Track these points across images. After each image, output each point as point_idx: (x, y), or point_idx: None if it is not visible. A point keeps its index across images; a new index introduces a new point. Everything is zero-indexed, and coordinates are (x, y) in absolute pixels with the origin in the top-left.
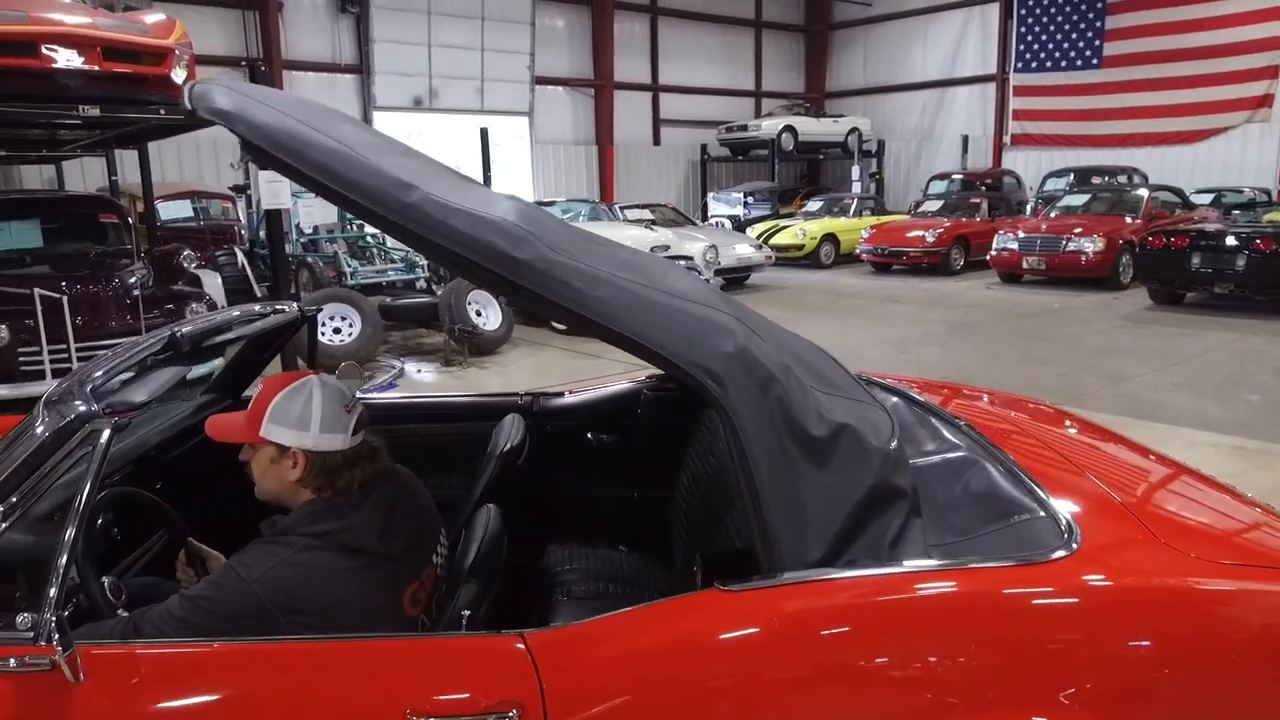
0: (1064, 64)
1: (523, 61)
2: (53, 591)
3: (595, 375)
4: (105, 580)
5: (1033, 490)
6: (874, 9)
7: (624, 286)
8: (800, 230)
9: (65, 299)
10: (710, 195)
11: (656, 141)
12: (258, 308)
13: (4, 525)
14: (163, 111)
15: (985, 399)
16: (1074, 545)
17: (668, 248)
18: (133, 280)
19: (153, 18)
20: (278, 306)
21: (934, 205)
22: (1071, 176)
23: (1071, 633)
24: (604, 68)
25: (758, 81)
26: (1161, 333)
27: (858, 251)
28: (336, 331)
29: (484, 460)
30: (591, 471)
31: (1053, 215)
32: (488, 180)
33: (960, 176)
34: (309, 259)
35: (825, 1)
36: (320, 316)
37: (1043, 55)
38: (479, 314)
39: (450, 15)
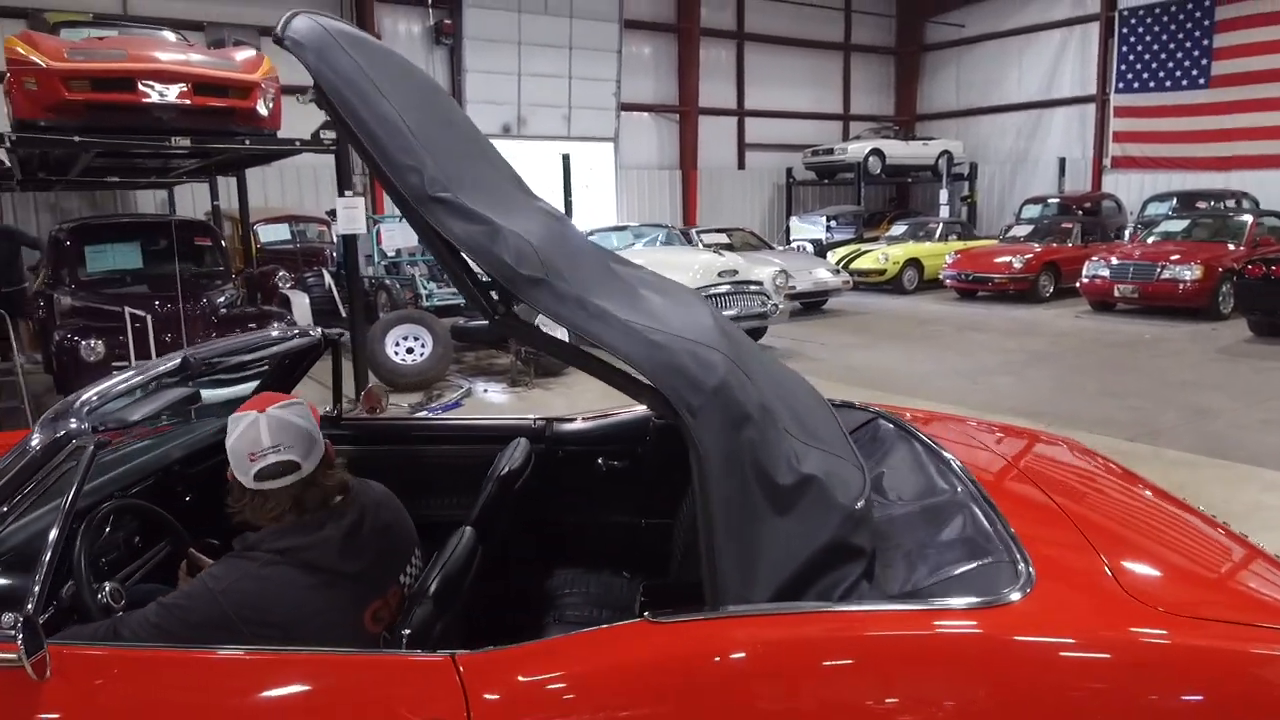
0: (1169, 84)
1: (608, 89)
2: (34, 592)
3: None
4: (107, 585)
5: (1002, 536)
6: (968, 30)
7: (621, 320)
8: (882, 255)
9: (149, 317)
10: (793, 219)
11: (741, 165)
12: (275, 332)
13: None
14: (248, 142)
15: (1000, 437)
16: (1018, 594)
17: (735, 272)
18: (220, 300)
19: (243, 54)
20: (301, 331)
21: (1024, 230)
22: (1174, 201)
23: (986, 678)
24: (689, 93)
25: (846, 105)
26: (1257, 366)
27: (941, 277)
28: (409, 352)
29: (483, 482)
30: (600, 497)
31: (1149, 241)
32: (569, 205)
33: (1056, 200)
34: (388, 281)
35: (917, 23)
36: (393, 337)
37: (1146, 75)
38: None
39: (539, 45)
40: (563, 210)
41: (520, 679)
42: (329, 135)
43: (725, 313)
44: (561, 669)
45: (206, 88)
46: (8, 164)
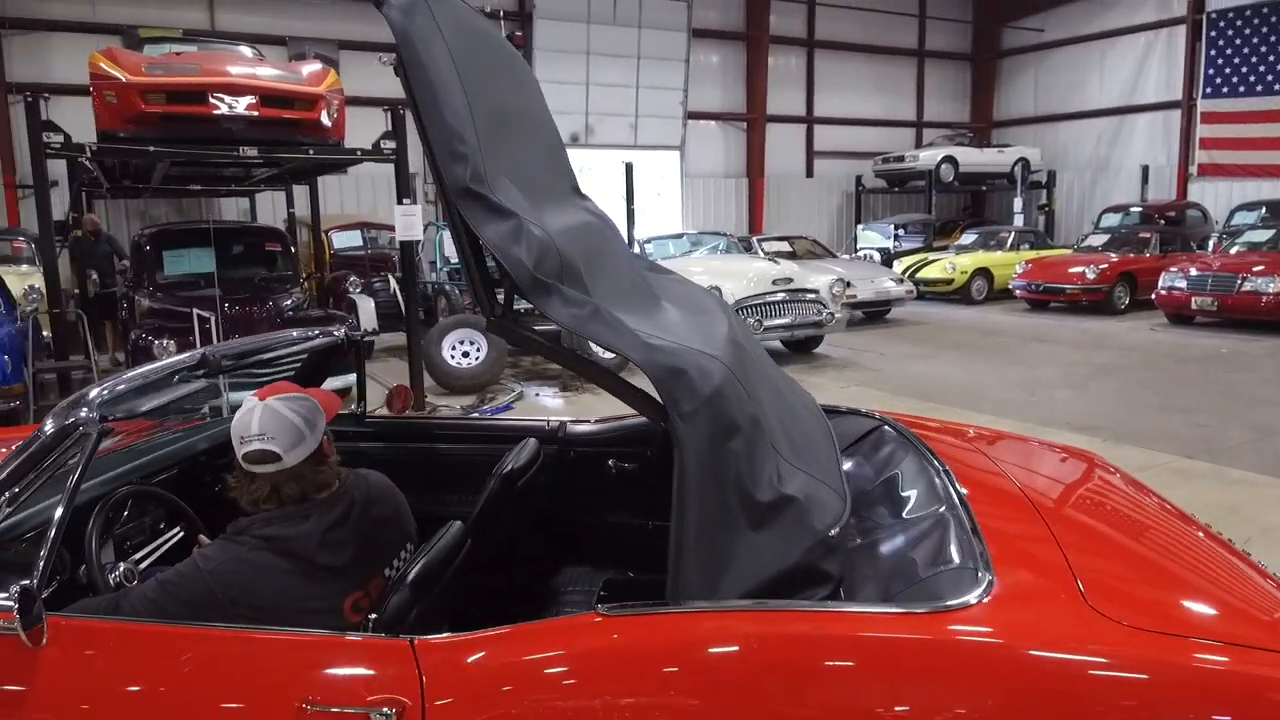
0: (1259, 89)
1: (676, 97)
2: (37, 567)
3: None
4: (121, 565)
5: (972, 546)
6: (1046, 34)
7: (629, 328)
8: (949, 264)
9: (213, 318)
10: (859, 227)
11: (809, 173)
12: (295, 333)
13: (9, 510)
14: (311, 152)
15: (1007, 447)
16: (973, 600)
17: (790, 280)
18: (287, 303)
19: (309, 68)
20: (326, 331)
21: (1099, 239)
22: (1263, 210)
23: (922, 680)
24: (757, 101)
25: (919, 111)
26: None
27: (1011, 287)
28: (465, 355)
29: (487, 479)
30: (610, 498)
31: (1232, 251)
32: (631, 213)
33: (1138, 209)
34: (447, 287)
35: (994, 29)
36: (450, 341)
37: (1235, 80)
38: None
39: (608, 55)
40: (625, 217)
41: (474, 664)
42: (389, 145)
43: (778, 320)
44: (514, 657)
45: (273, 100)
46: (95, 172)
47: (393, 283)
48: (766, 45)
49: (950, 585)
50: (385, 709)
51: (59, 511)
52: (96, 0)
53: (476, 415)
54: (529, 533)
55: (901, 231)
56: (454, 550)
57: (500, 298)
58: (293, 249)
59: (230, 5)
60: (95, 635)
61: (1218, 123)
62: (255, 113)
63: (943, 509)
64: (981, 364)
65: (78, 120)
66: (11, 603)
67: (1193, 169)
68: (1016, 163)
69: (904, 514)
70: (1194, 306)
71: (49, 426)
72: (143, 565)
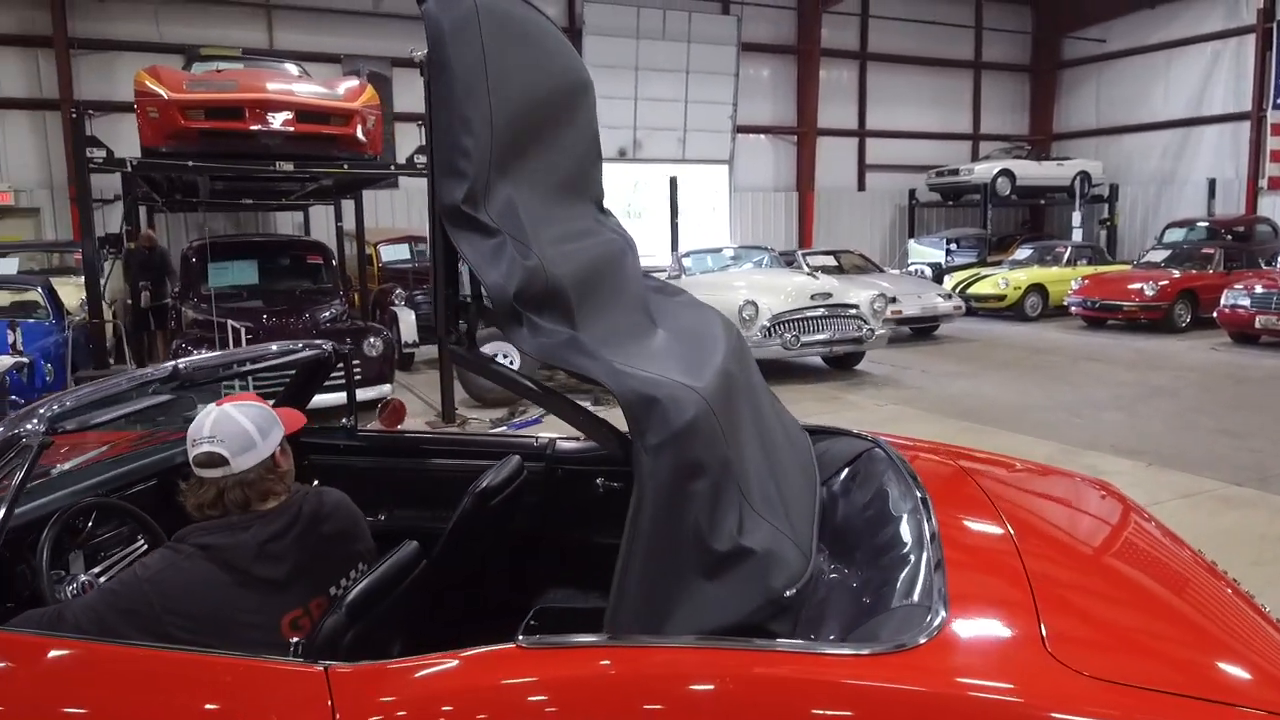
0: None
1: (725, 111)
2: None
3: None
4: (81, 577)
5: (930, 581)
6: (1109, 45)
7: (606, 359)
8: (1002, 279)
9: (243, 328)
10: (910, 241)
11: (861, 187)
12: (275, 346)
13: None
14: (346, 166)
15: (1007, 473)
16: (916, 640)
17: (829, 295)
18: (325, 314)
19: (347, 84)
20: (311, 344)
21: (1160, 255)
22: None
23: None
24: (807, 115)
25: (976, 124)
26: None
27: (1066, 304)
28: None
29: (463, 496)
30: (597, 517)
31: None
32: (675, 226)
33: (1204, 224)
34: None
35: (1054, 39)
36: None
37: None
38: None
39: (656, 70)
40: (669, 230)
41: (387, 694)
42: (422, 160)
43: (816, 336)
44: (429, 688)
45: (309, 115)
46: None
47: None
48: (818, 58)
49: (897, 624)
50: None
51: None
52: (161, 21)
53: (504, 428)
54: (513, 551)
55: (954, 246)
56: (403, 571)
57: (463, 324)
58: (334, 262)
59: (288, 25)
60: (17, 649)
61: None
62: (291, 128)
63: (911, 541)
64: (1027, 383)
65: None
66: None
67: (1263, 182)
68: (1077, 176)
69: (873, 544)
70: (1258, 325)
71: None
72: (103, 578)
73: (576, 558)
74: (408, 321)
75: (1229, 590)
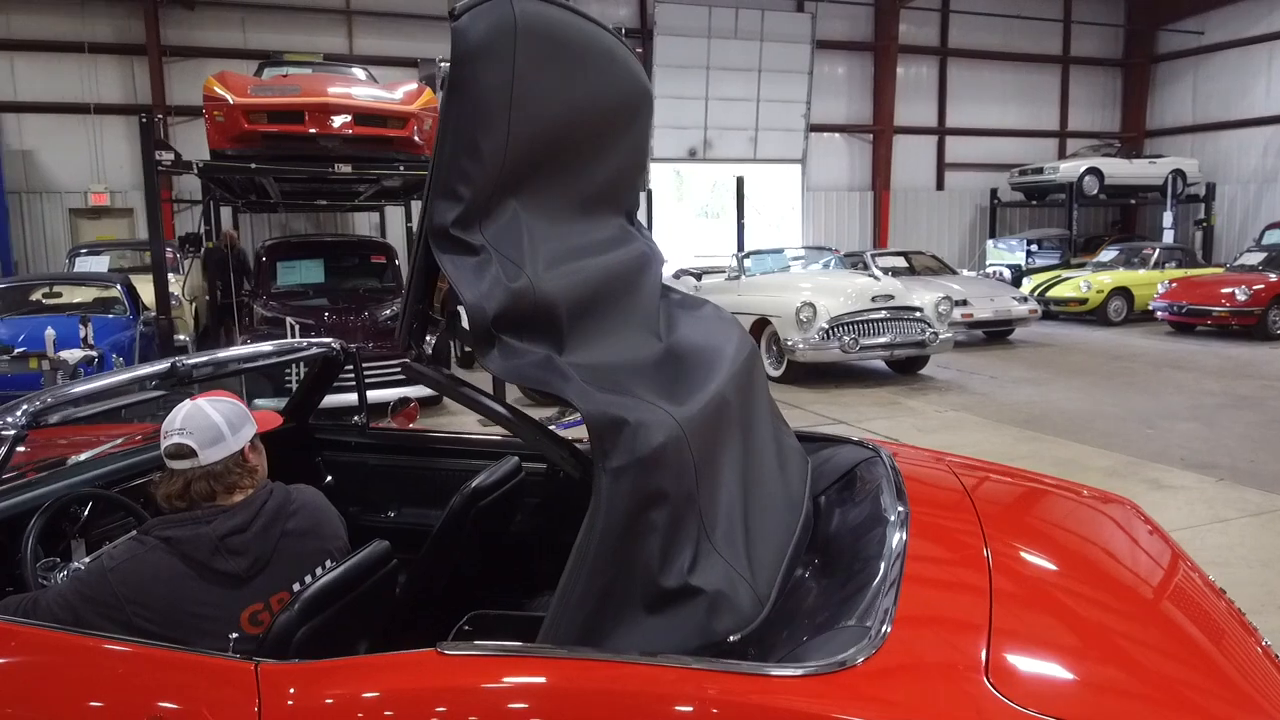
0: None
1: (798, 110)
2: None
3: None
4: (73, 565)
5: (879, 600)
6: (1207, 37)
7: (578, 382)
8: (1084, 282)
9: (298, 325)
10: (989, 242)
11: (940, 186)
12: (269, 346)
13: None
14: (402, 168)
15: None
16: (845, 662)
17: (891, 297)
18: (385, 313)
19: (406, 87)
20: (319, 342)
21: (1255, 257)
22: None
23: None
24: (884, 112)
25: (1063, 121)
26: None
27: (1151, 308)
28: None
29: (452, 496)
30: None
31: None
32: (741, 226)
33: None
34: None
35: (1148, 32)
36: None
37: None
38: None
39: (728, 69)
40: (736, 229)
41: (309, 694)
42: None
43: (877, 339)
44: (350, 689)
45: (367, 118)
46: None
47: None
48: (895, 55)
49: (832, 645)
50: None
51: None
52: (248, 28)
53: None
54: (515, 552)
55: (1035, 247)
56: (367, 571)
57: (429, 346)
58: (397, 261)
59: (367, 30)
60: None
61: None
62: (349, 131)
63: (874, 557)
64: (1101, 391)
65: None
66: None
67: None
68: (1170, 175)
69: (846, 559)
70: None
71: None
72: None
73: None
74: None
75: (1235, 629)
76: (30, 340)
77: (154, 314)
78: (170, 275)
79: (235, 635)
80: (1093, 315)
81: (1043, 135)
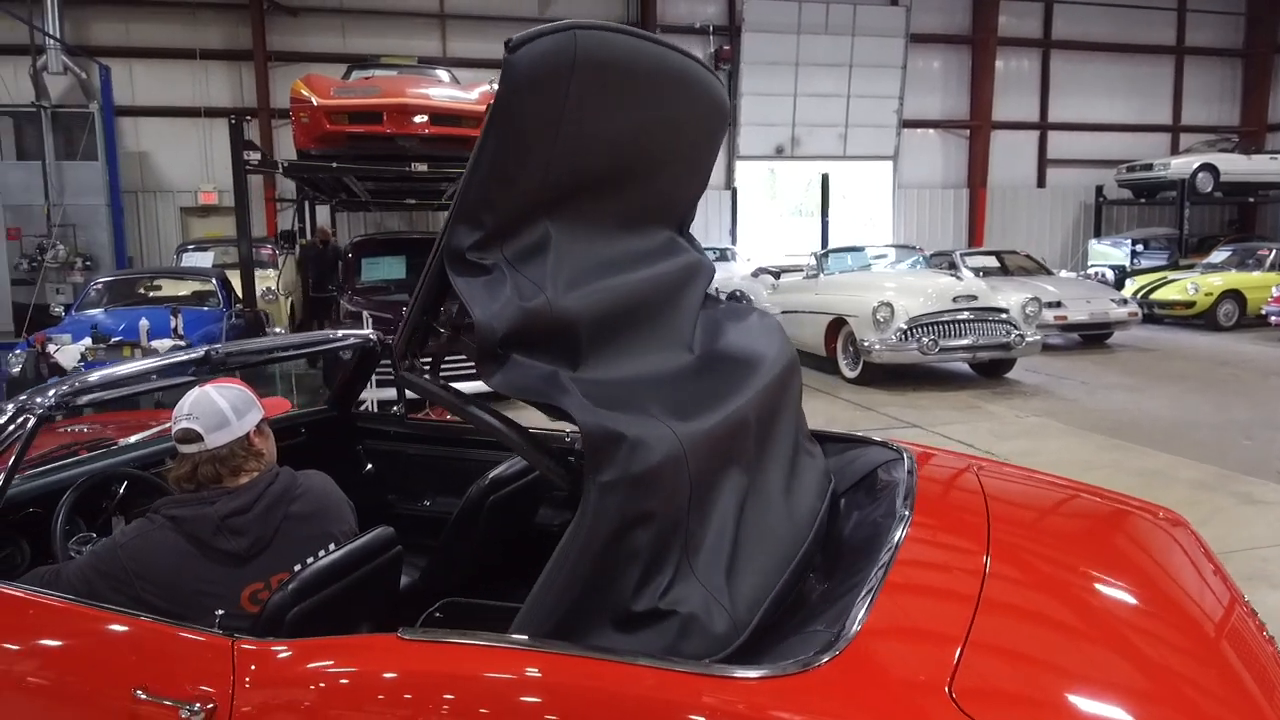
0: None
1: (890, 106)
2: None
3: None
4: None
5: (851, 607)
6: None
7: (579, 397)
8: (1191, 285)
9: (375, 318)
10: (1092, 242)
11: (1041, 183)
12: (301, 337)
13: None
14: None
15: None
16: (800, 668)
17: (975, 297)
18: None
19: (481, 88)
20: (360, 335)
21: None
22: None
23: None
24: (981, 107)
25: (1175, 115)
26: None
27: (1264, 313)
28: None
29: (470, 486)
30: None
31: None
32: (825, 224)
33: None
34: None
35: (1271, 20)
36: None
37: None
38: None
39: (818, 65)
40: (820, 227)
41: (277, 672)
42: None
43: (958, 341)
44: (310, 668)
45: (443, 118)
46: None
47: None
48: (994, 47)
49: (796, 648)
50: (196, 704)
51: None
52: (347, 33)
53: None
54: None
55: (1140, 247)
56: (368, 555)
57: (425, 360)
58: None
59: (460, 34)
60: (6, 604)
61: None
62: (425, 131)
63: (862, 562)
64: (1200, 399)
65: None
66: None
67: None
68: None
69: (843, 563)
70: None
71: (9, 408)
72: None
73: None
74: None
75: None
76: (127, 331)
77: (247, 307)
78: (270, 271)
79: (221, 612)
80: (1200, 319)
81: (1153, 130)
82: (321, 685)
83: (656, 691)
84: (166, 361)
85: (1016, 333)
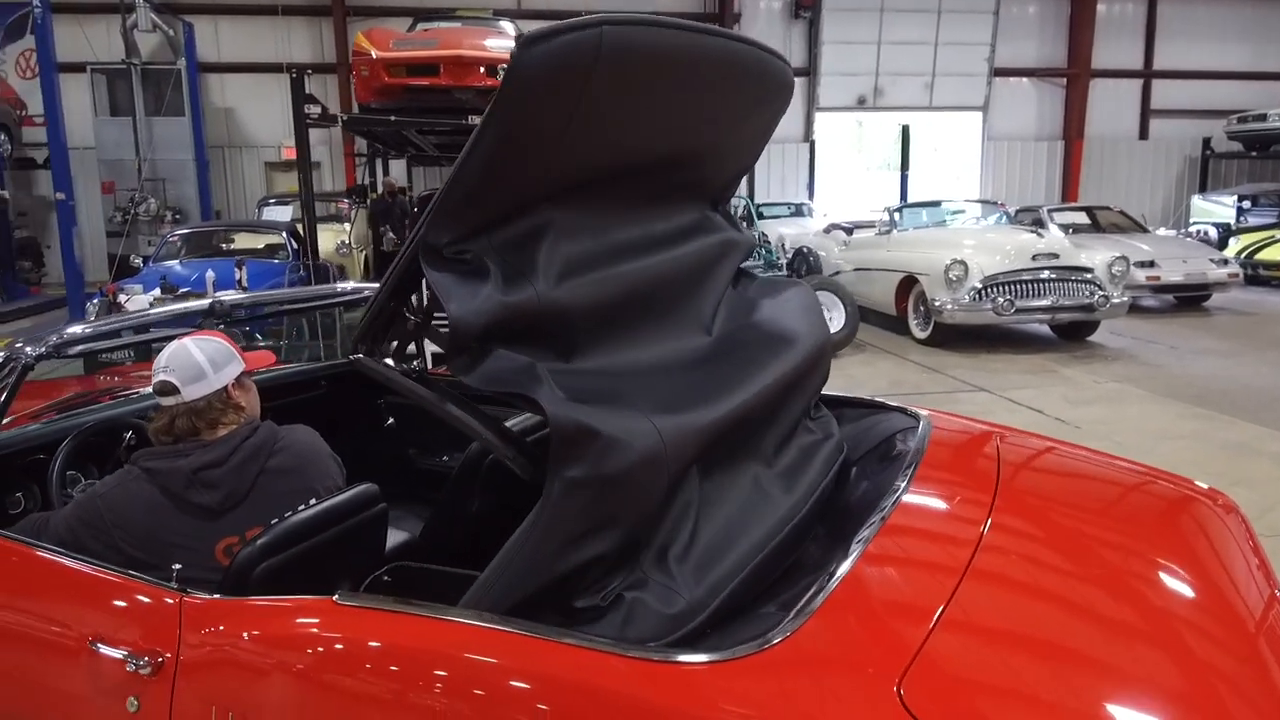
0: None
1: (980, 53)
2: None
3: (921, 391)
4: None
5: (809, 588)
6: None
7: (556, 391)
8: None
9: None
10: (1194, 198)
11: (1144, 135)
12: (307, 290)
13: None
14: None
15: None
16: (739, 653)
17: (1056, 256)
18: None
19: None
20: (372, 288)
21: None
22: None
23: None
24: (1080, 54)
25: None
26: None
27: None
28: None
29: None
30: None
31: None
32: (905, 178)
33: None
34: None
35: None
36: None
37: None
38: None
39: (903, 10)
40: (900, 180)
41: (218, 629)
42: None
43: (1036, 301)
44: (256, 627)
45: (499, 71)
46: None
47: None
48: None
49: (737, 632)
50: (145, 658)
51: None
52: None
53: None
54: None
55: (1247, 204)
56: (344, 513)
57: (391, 346)
58: None
59: None
60: None
61: None
62: (481, 83)
63: (836, 539)
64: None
65: None
66: None
67: None
68: None
69: (825, 540)
70: None
71: None
72: None
73: None
74: None
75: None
76: (197, 282)
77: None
78: (345, 225)
79: (178, 566)
80: None
81: (1269, 78)
82: (259, 645)
83: (571, 669)
84: (172, 311)
85: (1101, 293)
